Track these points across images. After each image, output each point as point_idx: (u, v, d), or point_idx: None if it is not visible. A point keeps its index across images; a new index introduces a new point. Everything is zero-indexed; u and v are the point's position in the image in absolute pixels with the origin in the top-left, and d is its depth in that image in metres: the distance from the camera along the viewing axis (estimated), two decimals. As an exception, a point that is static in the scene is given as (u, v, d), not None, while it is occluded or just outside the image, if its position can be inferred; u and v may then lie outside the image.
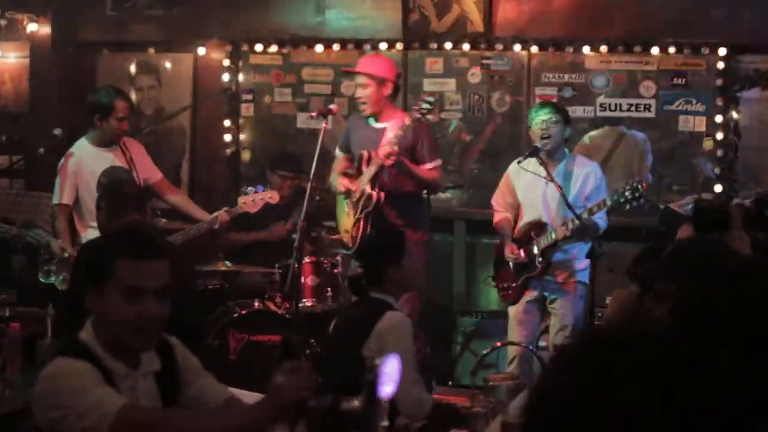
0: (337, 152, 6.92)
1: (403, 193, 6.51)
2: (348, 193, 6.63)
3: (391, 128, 6.47)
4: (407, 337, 4.53)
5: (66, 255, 6.22)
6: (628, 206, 6.06)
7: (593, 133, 7.86)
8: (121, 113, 6.58)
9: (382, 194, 6.42)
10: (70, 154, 6.63)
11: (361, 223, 6.47)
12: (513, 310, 6.49)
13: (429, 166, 6.51)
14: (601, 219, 6.25)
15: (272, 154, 8.10)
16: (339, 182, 6.70)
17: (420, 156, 6.49)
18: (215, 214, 6.63)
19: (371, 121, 6.65)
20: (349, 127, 6.92)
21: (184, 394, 3.20)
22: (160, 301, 3.03)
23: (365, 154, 6.50)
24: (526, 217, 6.46)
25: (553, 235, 6.20)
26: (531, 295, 6.42)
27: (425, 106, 6.21)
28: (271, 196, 6.82)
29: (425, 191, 6.77)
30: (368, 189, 6.41)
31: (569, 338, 4.71)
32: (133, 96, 8.66)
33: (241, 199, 6.78)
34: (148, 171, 6.87)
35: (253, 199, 6.74)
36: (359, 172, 6.54)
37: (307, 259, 6.89)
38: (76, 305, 3.22)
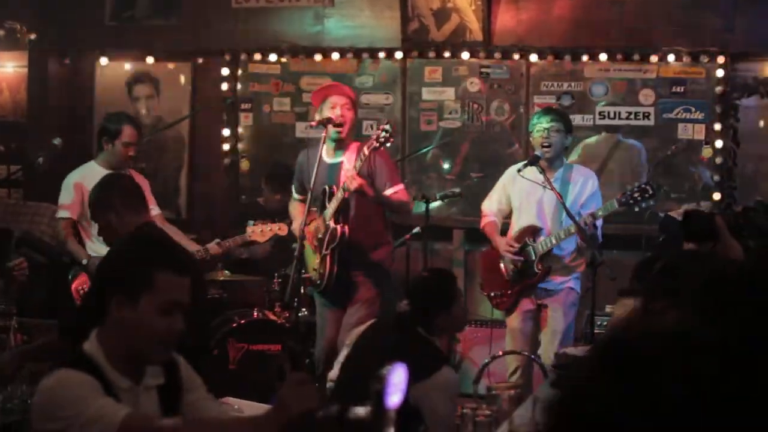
0: (294, 194, 6.63)
1: (369, 223, 6.29)
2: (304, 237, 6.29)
3: (348, 161, 6.27)
4: (453, 397, 4.49)
5: (85, 262, 6.30)
6: (636, 208, 6.06)
7: (589, 140, 7.86)
8: (126, 138, 6.61)
9: (347, 228, 6.20)
10: (78, 173, 6.65)
11: (328, 259, 6.22)
12: (511, 321, 6.44)
13: (390, 191, 6.27)
14: (599, 229, 6.23)
15: (269, 165, 8.06)
16: (304, 232, 6.25)
17: (380, 184, 6.22)
18: (209, 245, 6.58)
19: (326, 156, 6.30)
20: (301, 163, 6.55)
21: (186, 413, 3.17)
22: (183, 317, 3.06)
23: (327, 190, 6.26)
24: (519, 223, 6.42)
25: (553, 240, 6.19)
26: (527, 303, 6.38)
27: (383, 134, 5.92)
28: (280, 228, 6.81)
29: (394, 214, 6.55)
30: (332, 224, 6.20)
31: (585, 347, 4.68)
32: (132, 105, 8.67)
33: (249, 228, 6.77)
34: (149, 203, 6.87)
35: (262, 229, 6.74)
36: (323, 209, 6.29)
37: (306, 269, 6.87)
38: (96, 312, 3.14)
